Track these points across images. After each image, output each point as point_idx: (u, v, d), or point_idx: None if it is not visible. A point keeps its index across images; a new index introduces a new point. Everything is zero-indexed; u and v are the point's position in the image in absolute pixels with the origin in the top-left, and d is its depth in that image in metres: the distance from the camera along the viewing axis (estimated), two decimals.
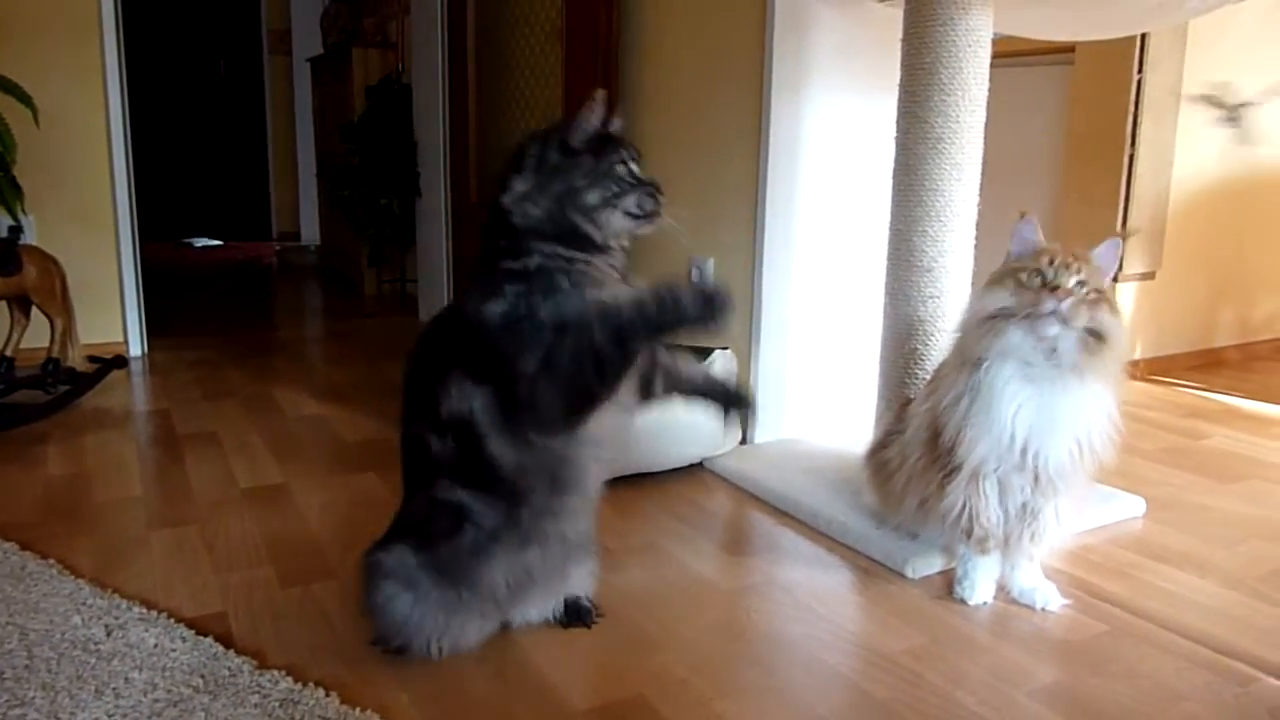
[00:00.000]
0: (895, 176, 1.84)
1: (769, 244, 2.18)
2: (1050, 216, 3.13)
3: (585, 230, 1.21)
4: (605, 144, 1.22)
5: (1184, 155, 3.09)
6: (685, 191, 2.43)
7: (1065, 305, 1.33)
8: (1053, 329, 1.34)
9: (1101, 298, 1.35)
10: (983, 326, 1.41)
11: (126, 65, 3.12)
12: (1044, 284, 1.34)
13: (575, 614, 1.40)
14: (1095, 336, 1.35)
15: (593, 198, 1.20)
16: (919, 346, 1.84)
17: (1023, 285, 1.36)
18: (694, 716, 1.19)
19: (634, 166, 1.23)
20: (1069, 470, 1.43)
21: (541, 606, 1.38)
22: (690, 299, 1.14)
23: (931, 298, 1.82)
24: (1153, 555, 1.72)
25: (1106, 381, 1.40)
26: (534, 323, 1.17)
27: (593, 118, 1.21)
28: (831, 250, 2.27)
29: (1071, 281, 1.34)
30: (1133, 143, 2.92)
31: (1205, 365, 3.34)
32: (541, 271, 1.19)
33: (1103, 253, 1.40)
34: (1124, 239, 1.39)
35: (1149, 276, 3.14)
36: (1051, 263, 1.35)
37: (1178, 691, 1.28)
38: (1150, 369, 3.19)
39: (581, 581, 1.40)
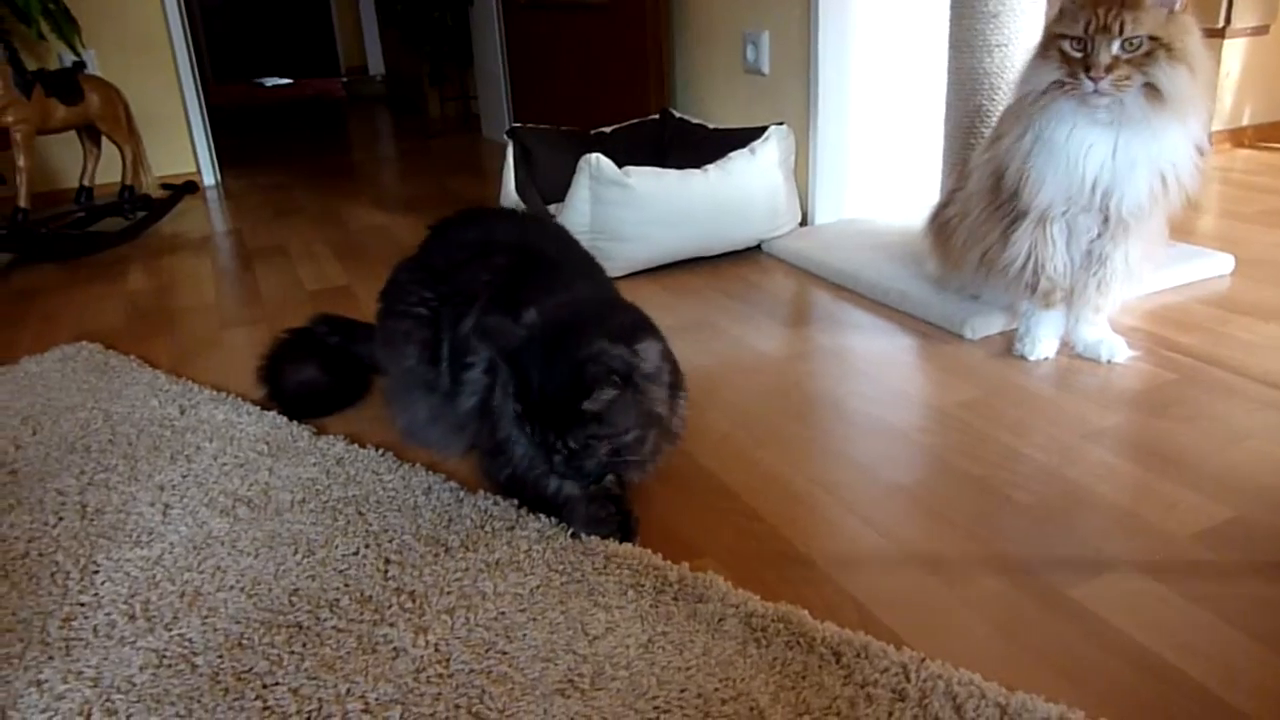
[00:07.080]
0: None
1: (825, 10, 2.03)
2: None
3: None
4: None
5: None
6: None
7: (1104, 84, 1.25)
8: (1103, 101, 1.28)
9: (1157, 46, 1.24)
10: (1038, 102, 1.34)
11: None
12: (1086, 58, 1.26)
13: None
14: (1155, 89, 1.25)
15: None
16: (984, 102, 1.72)
17: (1067, 56, 1.28)
18: (733, 465, 1.20)
19: None
20: (1147, 210, 1.35)
21: None
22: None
23: (998, 46, 1.68)
24: (1235, 309, 1.63)
25: (1187, 115, 1.29)
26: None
27: None
28: (895, 12, 2.11)
29: (1114, 50, 1.25)
30: None
31: None
32: None
33: None
34: None
35: (1262, 31, 2.84)
36: (1089, 29, 1.25)
37: (1243, 430, 1.23)
38: (1259, 135, 2.94)
39: None
